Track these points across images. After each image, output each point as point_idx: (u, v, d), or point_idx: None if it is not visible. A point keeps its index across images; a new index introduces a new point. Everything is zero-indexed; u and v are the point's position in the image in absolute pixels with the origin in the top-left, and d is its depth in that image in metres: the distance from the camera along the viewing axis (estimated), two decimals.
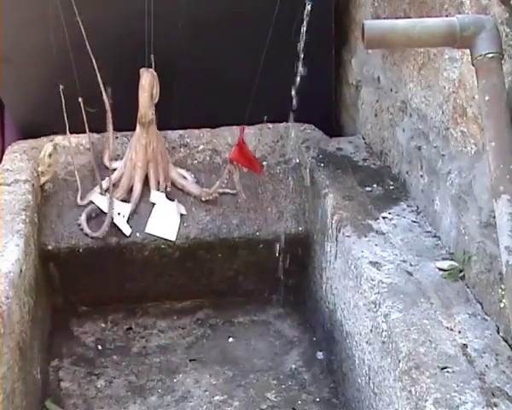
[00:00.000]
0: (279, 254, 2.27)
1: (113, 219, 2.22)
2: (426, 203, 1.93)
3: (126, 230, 2.23)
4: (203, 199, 2.30)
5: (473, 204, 1.61)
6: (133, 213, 2.26)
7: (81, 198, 2.27)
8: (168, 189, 2.32)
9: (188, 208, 2.29)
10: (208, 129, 2.48)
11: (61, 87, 2.16)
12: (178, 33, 2.31)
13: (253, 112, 2.23)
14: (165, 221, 2.25)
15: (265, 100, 2.23)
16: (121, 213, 2.23)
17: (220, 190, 2.29)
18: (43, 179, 2.28)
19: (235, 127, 2.45)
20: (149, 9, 2.26)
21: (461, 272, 1.68)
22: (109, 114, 2.28)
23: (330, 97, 2.61)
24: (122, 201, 2.27)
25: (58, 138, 2.37)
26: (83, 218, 2.22)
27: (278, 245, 2.26)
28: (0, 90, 2.44)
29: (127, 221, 2.24)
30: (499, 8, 1.44)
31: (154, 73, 2.27)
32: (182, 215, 2.27)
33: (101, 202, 2.25)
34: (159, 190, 2.31)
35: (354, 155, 2.31)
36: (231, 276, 2.35)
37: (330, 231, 2.01)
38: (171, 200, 2.29)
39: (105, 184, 2.29)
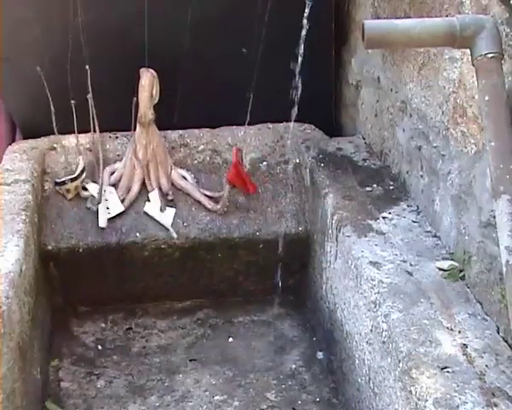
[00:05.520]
0: (279, 254, 2.27)
1: (98, 208, 2.22)
2: (426, 203, 1.93)
3: (102, 222, 2.22)
4: (210, 209, 2.30)
5: (473, 204, 1.61)
6: (129, 210, 2.26)
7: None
8: (170, 197, 2.30)
9: (188, 208, 2.29)
10: (208, 129, 2.47)
11: (47, 90, 2.17)
12: (178, 33, 2.31)
13: (253, 112, 2.23)
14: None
15: (265, 100, 2.23)
16: (109, 209, 2.24)
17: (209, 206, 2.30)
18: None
19: (235, 127, 2.45)
20: (149, 9, 2.26)
21: (461, 272, 1.68)
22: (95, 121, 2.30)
23: (330, 97, 2.61)
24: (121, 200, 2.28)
25: (58, 138, 2.37)
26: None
27: (278, 245, 2.26)
28: (0, 90, 2.45)
29: (111, 218, 2.24)
30: (499, 8, 1.44)
31: (154, 73, 2.27)
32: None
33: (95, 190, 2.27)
34: (161, 190, 2.31)
35: (354, 155, 2.31)
36: (231, 276, 2.35)
37: (330, 231, 2.01)
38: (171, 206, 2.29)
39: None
